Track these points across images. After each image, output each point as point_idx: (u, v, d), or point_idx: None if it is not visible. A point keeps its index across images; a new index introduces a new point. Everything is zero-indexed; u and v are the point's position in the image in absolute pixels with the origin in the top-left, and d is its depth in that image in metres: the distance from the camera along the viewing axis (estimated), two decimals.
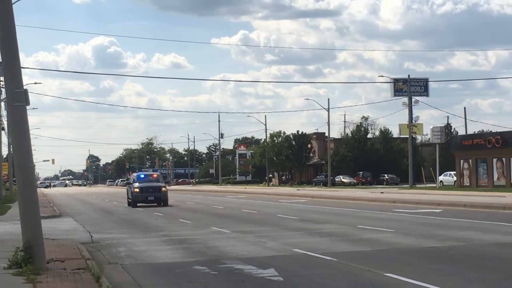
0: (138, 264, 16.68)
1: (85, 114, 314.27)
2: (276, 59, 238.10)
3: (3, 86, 48.33)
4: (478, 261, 15.59)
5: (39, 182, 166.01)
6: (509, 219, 27.12)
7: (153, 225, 29.01)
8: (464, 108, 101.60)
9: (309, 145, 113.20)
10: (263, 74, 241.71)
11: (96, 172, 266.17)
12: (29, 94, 15.08)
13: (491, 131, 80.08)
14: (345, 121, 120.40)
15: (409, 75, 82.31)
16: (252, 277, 14.16)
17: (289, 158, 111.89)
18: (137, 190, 45.87)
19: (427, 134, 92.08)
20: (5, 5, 14.85)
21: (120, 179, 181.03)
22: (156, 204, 45.97)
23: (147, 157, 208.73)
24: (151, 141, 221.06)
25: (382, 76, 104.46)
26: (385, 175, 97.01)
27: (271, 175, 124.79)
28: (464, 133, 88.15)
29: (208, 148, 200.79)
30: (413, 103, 78.98)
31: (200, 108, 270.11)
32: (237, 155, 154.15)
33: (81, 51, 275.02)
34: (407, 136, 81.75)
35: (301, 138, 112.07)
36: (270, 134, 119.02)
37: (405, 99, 79.44)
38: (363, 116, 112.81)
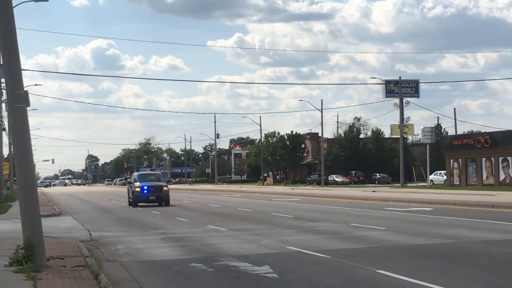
0: (136, 262, 16.65)
1: (84, 115, 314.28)
2: (271, 61, 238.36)
3: (4, 87, 48.25)
4: (468, 258, 15.60)
5: (39, 181, 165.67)
6: (498, 217, 27.14)
7: (150, 223, 28.96)
8: (454, 109, 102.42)
9: (302, 145, 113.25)
10: (258, 76, 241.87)
11: (95, 172, 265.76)
12: (30, 95, 15.05)
13: (480, 132, 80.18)
14: (338, 122, 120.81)
15: (400, 77, 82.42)
16: (247, 274, 14.15)
17: (283, 158, 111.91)
18: (138, 189, 44.27)
19: (418, 134, 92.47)
20: (6, 9, 14.81)
21: (118, 179, 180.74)
22: (157, 203, 44.25)
23: (145, 157, 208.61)
24: (149, 141, 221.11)
25: (374, 77, 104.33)
26: (377, 174, 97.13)
27: (265, 175, 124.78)
28: (454, 133, 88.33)
29: (204, 148, 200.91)
30: (404, 104, 79.06)
31: (196, 109, 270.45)
32: (232, 155, 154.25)
33: (80, 54, 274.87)
34: (399, 136, 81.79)
35: (295, 138, 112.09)
36: (265, 134, 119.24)
37: (397, 100, 79.53)
38: (356, 117, 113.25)
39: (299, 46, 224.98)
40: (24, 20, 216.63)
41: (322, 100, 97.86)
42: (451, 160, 69.82)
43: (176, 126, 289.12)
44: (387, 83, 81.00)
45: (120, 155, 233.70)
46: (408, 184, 76.26)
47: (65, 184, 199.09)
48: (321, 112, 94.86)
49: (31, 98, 15.21)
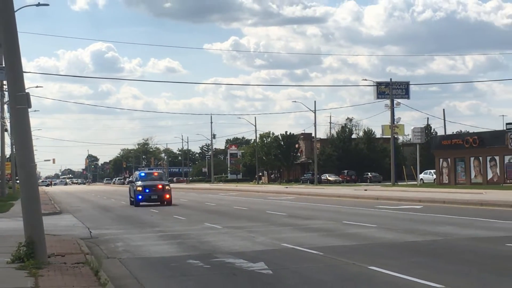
0: (135, 258, 16.65)
1: (84, 116, 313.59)
2: (265, 64, 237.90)
3: (6, 89, 48.16)
4: (456, 254, 15.63)
5: (40, 180, 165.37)
6: (485, 214, 27.18)
7: (149, 222, 28.95)
8: (443, 110, 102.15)
9: (296, 145, 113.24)
10: (253, 78, 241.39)
11: (94, 171, 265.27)
12: (31, 97, 15.05)
13: (468, 132, 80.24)
14: (330, 122, 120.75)
15: (391, 79, 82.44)
16: (243, 270, 14.15)
17: (277, 158, 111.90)
18: (140, 188, 42.43)
19: (408, 135, 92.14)
20: (8, 13, 14.80)
21: (117, 178, 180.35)
22: (159, 203, 42.47)
23: (143, 156, 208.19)
24: (147, 142, 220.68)
25: (366, 79, 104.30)
26: (369, 173, 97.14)
27: (260, 174, 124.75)
28: (443, 133, 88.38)
29: (201, 148, 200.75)
30: (395, 105, 79.08)
31: (193, 110, 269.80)
32: (228, 155, 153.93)
33: (80, 56, 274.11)
34: (390, 136, 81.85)
35: (289, 139, 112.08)
36: (260, 134, 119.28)
37: (388, 102, 79.55)
38: (348, 118, 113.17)
39: (293, 49, 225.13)
40: (26, 24, 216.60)
41: (315, 102, 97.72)
42: (441, 160, 69.93)
43: (174, 126, 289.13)
44: (378, 85, 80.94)
45: (119, 155, 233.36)
46: (399, 183, 76.27)
47: (66, 183, 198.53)
48: (315, 113, 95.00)
49: (33, 99, 15.22)
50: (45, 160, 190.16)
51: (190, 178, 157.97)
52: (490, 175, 63.52)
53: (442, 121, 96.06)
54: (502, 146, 59.75)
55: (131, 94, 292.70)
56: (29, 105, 14.85)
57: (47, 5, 48.57)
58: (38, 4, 52.07)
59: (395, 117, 79.71)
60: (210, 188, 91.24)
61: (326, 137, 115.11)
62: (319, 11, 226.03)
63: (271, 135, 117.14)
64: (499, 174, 62.14)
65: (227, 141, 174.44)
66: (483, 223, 23.64)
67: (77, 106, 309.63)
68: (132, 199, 44.40)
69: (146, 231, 24.30)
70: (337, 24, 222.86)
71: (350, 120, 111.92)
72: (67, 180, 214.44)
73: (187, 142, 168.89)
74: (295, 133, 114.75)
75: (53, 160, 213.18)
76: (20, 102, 14.70)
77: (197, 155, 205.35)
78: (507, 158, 60.92)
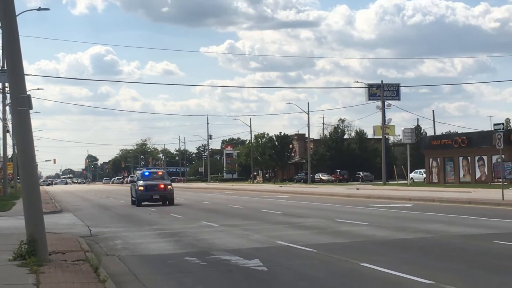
0: (134, 256, 16.63)
1: (84, 118, 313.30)
2: (260, 66, 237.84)
3: (8, 91, 48.08)
4: (445, 251, 15.65)
5: (41, 180, 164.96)
6: (473, 212, 27.22)
7: (147, 220, 28.91)
8: (433, 111, 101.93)
9: (290, 146, 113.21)
10: (248, 80, 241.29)
11: (94, 171, 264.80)
12: (32, 99, 15.03)
13: (457, 132, 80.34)
14: (323, 123, 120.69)
15: (382, 81, 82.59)
16: (238, 267, 14.15)
17: (272, 158, 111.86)
18: (142, 188, 40.42)
19: (399, 135, 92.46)
20: (10, 17, 14.77)
21: (116, 177, 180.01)
22: (161, 203, 40.66)
23: (141, 157, 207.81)
24: (145, 142, 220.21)
25: (358, 82, 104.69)
26: (360, 172, 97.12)
27: (255, 173, 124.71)
28: (432, 134, 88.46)
29: (198, 149, 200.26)
30: (386, 107, 79.19)
31: (190, 111, 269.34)
32: (224, 155, 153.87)
33: (80, 59, 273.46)
34: (381, 136, 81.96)
35: (283, 139, 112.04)
36: (255, 135, 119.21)
37: (379, 103, 79.64)
38: (340, 119, 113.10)
39: (287, 52, 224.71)
40: (27, 28, 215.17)
41: (308, 103, 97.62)
42: (430, 159, 70.05)
43: (171, 127, 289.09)
44: (370, 86, 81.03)
45: (118, 155, 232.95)
46: (390, 182, 76.33)
47: (66, 183, 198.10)
48: (308, 114, 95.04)
49: (34, 101, 15.20)
50: (46, 160, 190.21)
51: (187, 178, 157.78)
52: (478, 174, 63.67)
53: (432, 122, 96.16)
54: (490, 146, 59.61)
55: (130, 96, 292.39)
56: (30, 106, 14.82)
57: (48, 9, 48.84)
58: (39, 9, 52.07)
59: (386, 118, 79.91)
60: (206, 187, 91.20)
61: (319, 138, 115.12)
62: (312, 15, 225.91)
63: (265, 135, 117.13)
64: (487, 173, 62.27)
65: (223, 142, 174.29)
66: (471, 220, 23.67)
67: (77, 107, 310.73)
68: (133, 199, 42.33)
69: (144, 229, 24.26)
70: (330, 27, 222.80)
71: (343, 121, 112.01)
72: (68, 180, 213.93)
73: (184, 143, 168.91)
74: (289, 134, 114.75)
75: (54, 160, 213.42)
76: (22, 104, 14.68)
77: (194, 155, 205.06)
78: (494, 158, 60.95)
